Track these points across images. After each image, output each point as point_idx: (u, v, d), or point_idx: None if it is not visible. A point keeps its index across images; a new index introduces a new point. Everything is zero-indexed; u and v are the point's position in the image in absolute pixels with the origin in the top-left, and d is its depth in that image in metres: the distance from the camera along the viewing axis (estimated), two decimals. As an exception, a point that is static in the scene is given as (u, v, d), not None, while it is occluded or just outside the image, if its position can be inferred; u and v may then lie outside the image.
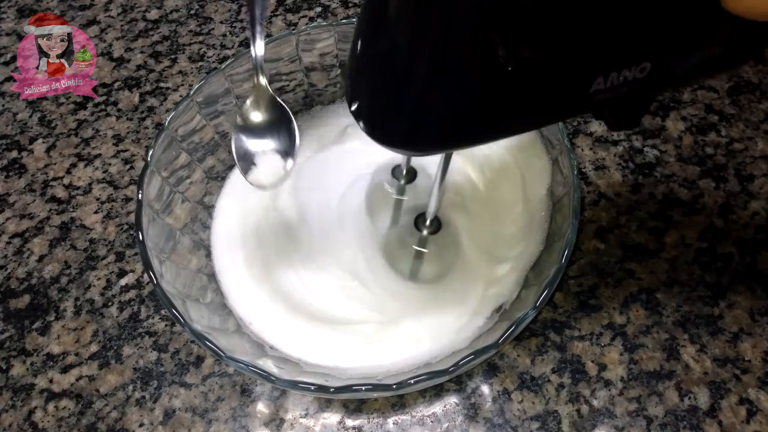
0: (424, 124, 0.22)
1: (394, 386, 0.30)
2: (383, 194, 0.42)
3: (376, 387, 0.30)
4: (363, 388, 0.30)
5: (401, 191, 0.42)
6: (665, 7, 0.21)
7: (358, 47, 0.23)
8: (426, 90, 0.21)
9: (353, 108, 0.25)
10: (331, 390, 0.30)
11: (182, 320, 0.32)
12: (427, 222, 0.39)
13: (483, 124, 0.23)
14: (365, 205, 0.41)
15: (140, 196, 0.36)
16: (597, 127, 0.50)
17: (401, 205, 0.42)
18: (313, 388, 0.30)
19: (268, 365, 0.32)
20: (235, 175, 0.45)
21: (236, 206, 0.43)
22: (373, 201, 0.42)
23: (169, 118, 0.39)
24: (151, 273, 0.33)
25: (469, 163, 0.43)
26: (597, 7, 0.20)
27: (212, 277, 0.40)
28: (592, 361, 0.39)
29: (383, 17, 0.21)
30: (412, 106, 0.22)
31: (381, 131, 0.24)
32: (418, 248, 0.40)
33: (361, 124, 0.24)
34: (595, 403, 0.38)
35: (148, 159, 0.37)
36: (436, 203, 0.36)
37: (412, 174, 0.42)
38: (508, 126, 0.24)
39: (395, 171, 0.42)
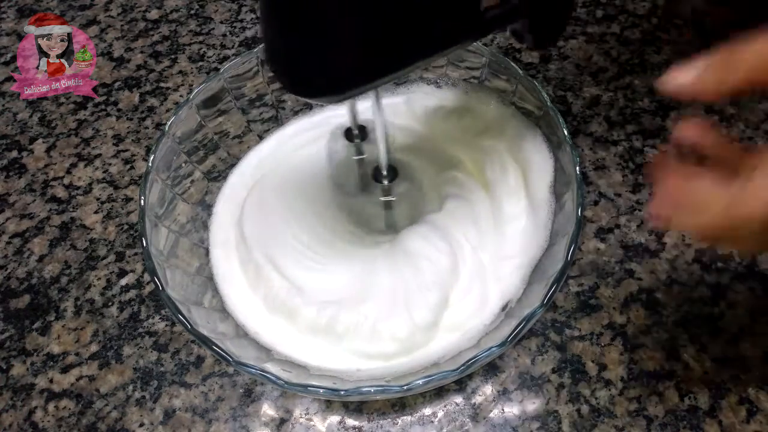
0: (328, 61, 0.24)
1: (404, 387, 0.30)
2: (346, 160, 0.42)
3: (386, 389, 0.30)
4: (372, 389, 0.30)
5: (359, 150, 0.42)
6: None
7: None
8: (317, 26, 0.23)
9: (272, 69, 0.26)
10: (341, 393, 0.30)
11: (189, 326, 0.32)
12: (384, 172, 0.39)
13: (383, 53, 0.24)
14: (332, 182, 0.42)
15: (142, 202, 0.36)
16: (597, 126, 0.50)
17: (364, 163, 0.42)
18: (322, 391, 0.30)
19: (275, 369, 0.32)
20: (235, 175, 0.45)
21: (233, 207, 0.43)
22: (339, 171, 0.42)
23: (169, 123, 0.39)
24: (156, 280, 0.33)
25: (470, 160, 0.43)
26: None
27: (211, 279, 0.40)
28: (592, 361, 0.39)
29: None
30: (308, 45, 0.23)
31: (296, 82, 0.25)
32: (386, 199, 0.40)
33: (280, 79, 0.26)
34: (595, 403, 0.38)
35: (149, 165, 0.37)
36: (384, 151, 0.36)
37: (363, 130, 0.41)
38: (410, 51, 0.25)
39: (348, 134, 0.42)
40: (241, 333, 0.38)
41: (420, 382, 0.30)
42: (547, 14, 0.31)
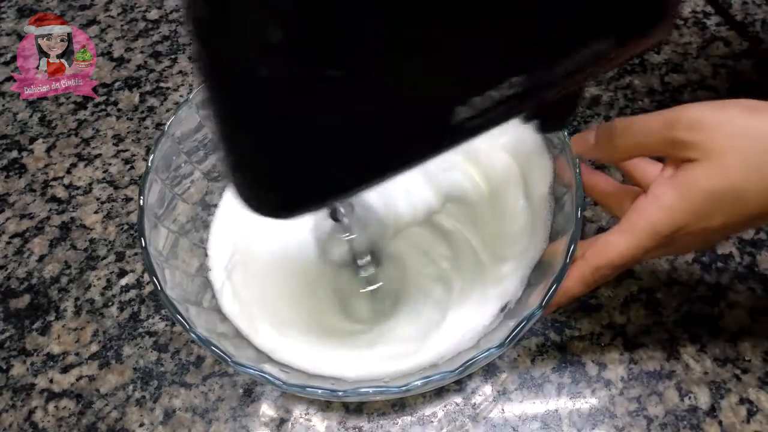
0: (282, 183, 0.20)
1: (403, 388, 0.30)
2: (335, 240, 0.39)
3: (384, 389, 0.30)
4: (371, 390, 0.30)
5: (347, 229, 0.38)
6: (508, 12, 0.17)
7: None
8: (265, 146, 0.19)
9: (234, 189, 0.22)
10: (340, 393, 0.30)
11: (187, 326, 0.32)
12: (365, 260, 0.37)
13: (338, 173, 0.20)
14: (321, 260, 0.39)
15: (142, 202, 0.35)
16: (597, 127, 0.50)
17: (353, 243, 0.39)
18: (321, 392, 0.30)
19: (274, 370, 0.32)
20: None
21: (233, 209, 0.43)
22: (325, 249, 0.39)
23: (169, 123, 0.39)
24: (155, 280, 0.33)
25: (470, 162, 0.43)
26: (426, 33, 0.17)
27: (210, 281, 0.40)
28: (592, 361, 0.39)
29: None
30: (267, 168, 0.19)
31: (255, 203, 0.21)
32: (370, 287, 0.38)
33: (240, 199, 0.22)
34: (595, 403, 0.38)
35: (149, 165, 0.37)
36: (364, 238, 0.34)
37: (348, 208, 0.38)
38: (373, 169, 0.20)
39: (333, 212, 0.38)
40: (241, 334, 0.38)
41: (419, 383, 0.30)
42: (552, 110, 0.27)
